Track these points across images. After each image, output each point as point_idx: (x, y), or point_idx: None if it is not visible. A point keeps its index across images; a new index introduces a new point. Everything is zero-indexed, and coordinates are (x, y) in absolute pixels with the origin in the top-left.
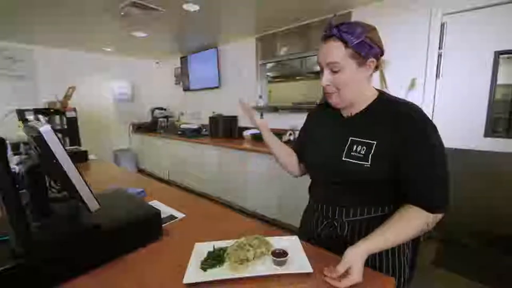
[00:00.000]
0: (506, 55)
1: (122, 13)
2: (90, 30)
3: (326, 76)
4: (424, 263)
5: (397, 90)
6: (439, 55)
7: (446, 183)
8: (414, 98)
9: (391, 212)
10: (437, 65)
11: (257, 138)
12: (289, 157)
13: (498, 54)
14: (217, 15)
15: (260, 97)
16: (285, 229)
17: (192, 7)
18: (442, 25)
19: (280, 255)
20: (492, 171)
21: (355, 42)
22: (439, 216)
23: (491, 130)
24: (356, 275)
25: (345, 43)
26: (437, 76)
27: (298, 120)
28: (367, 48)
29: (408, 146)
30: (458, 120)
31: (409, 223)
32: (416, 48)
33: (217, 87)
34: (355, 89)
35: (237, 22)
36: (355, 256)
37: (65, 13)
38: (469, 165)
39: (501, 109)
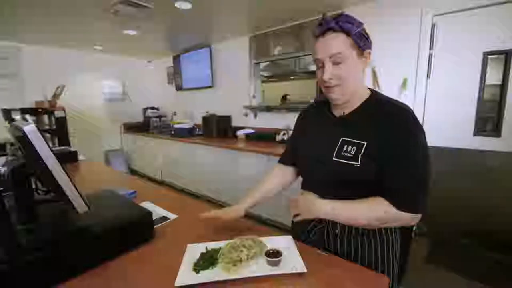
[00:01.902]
0: (494, 56)
1: (112, 11)
2: (79, 28)
3: (329, 69)
4: (416, 260)
5: (389, 89)
6: (430, 56)
7: (421, 184)
8: (405, 97)
9: None
10: (428, 65)
11: (251, 138)
12: (279, 185)
13: (486, 54)
14: (210, 13)
15: (254, 96)
16: (279, 228)
17: (184, 5)
18: (433, 25)
19: (274, 256)
20: (481, 169)
21: (356, 31)
22: (405, 215)
23: (480, 129)
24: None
25: (346, 33)
26: (428, 76)
27: (291, 120)
28: (364, 38)
29: (392, 144)
30: (448, 120)
31: (368, 209)
32: (408, 49)
33: (210, 87)
34: (356, 82)
35: (230, 21)
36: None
37: (54, 10)
38: (458, 163)
39: (490, 108)
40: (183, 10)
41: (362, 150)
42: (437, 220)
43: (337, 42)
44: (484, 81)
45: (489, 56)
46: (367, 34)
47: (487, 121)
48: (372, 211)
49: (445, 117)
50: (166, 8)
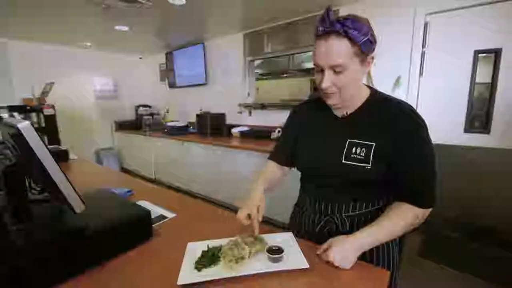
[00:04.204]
0: (484, 54)
1: (104, 5)
2: (69, 23)
3: (328, 77)
4: (411, 254)
5: (382, 87)
6: (423, 54)
7: (435, 179)
8: (398, 95)
9: (386, 204)
10: (421, 63)
11: (246, 136)
12: (277, 181)
13: (477, 53)
14: (204, 9)
15: (248, 94)
16: (276, 225)
17: (178, 1)
18: (426, 24)
19: (275, 252)
20: (472, 165)
21: (363, 40)
22: (428, 211)
23: (470, 126)
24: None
25: (352, 41)
26: (421, 74)
27: (286, 117)
28: (369, 45)
29: (401, 145)
30: (440, 117)
31: (400, 220)
32: (401, 47)
33: (204, 84)
34: (356, 88)
35: (224, 17)
36: (345, 259)
37: (44, 4)
38: (450, 159)
39: (480, 106)
40: (177, 6)
41: (372, 151)
42: (429, 214)
43: (339, 51)
44: (475, 79)
45: (480, 55)
46: (373, 36)
47: (477, 118)
48: (406, 223)
49: (437, 114)
50: (159, 3)
